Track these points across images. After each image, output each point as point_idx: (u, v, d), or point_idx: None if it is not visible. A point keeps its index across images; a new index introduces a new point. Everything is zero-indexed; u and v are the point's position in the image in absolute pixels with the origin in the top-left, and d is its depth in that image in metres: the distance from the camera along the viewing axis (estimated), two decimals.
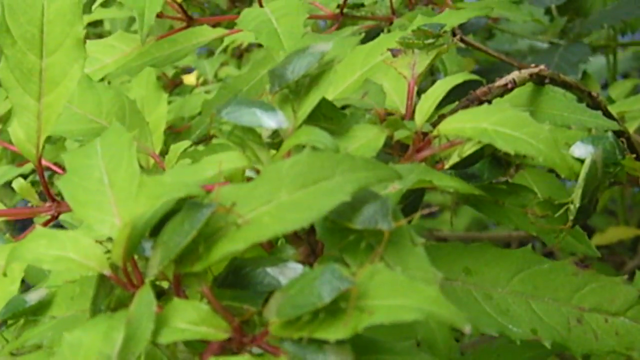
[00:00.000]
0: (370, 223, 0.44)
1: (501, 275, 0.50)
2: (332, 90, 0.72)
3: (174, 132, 1.20)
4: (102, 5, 0.98)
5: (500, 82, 0.67)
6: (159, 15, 0.86)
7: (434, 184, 0.48)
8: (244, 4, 1.43)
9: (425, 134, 0.53)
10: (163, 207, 0.45)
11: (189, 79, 1.38)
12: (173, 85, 1.38)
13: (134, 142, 0.49)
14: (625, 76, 1.56)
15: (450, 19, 0.74)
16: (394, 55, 0.63)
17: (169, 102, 1.18)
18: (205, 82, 1.30)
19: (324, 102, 0.53)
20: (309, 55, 0.51)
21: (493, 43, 1.43)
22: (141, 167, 0.99)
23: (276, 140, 0.51)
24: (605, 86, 1.48)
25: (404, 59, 0.59)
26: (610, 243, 1.27)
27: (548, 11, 1.23)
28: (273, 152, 0.51)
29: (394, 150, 0.53)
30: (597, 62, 1.48)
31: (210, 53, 1.55)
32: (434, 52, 0.59)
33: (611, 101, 0.99)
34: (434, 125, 0.56)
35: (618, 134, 0.80)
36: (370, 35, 0.99)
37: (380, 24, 0.94)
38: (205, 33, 0.90)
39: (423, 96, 0.53)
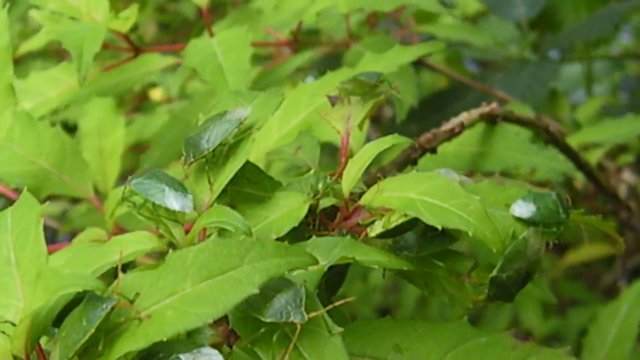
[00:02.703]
0: (281, 316, 0.41)
1: (434, 352, 0.48)
2: (277, 131, 0.70)
3: (137, 152, 1.18)
4: None
5: (446, 126, 0.65)
6: (105, 47, 0.83)
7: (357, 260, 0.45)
8: (214, 15, 1.40)
9: (354, 199, 0.50)
10: (62, 300, 0.42)
11: (155, 94, 1.35)
12: (139, 100, 1.35)
13: (42, 218, 0.46)
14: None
15: (399, 56, 0.71)
16: (332, 103, 0.60)
17: (131, 122, 1.15)
18: (170, 99, 1.26)
19: (248, 165, 0.50)
20: (226, 123, 0.48)
21: (470, 52, 1.40)
22: (97, 192, 0.97)
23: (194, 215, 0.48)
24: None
25: (339, 111, 0.56)
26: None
27: (519, 25, 1.20)
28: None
29: (321, 218, 0.50)
30: (574, 71, 1.45)
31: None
32: (370, 103, 0.56)
33: (577, 126, 0.96)
34: (368, 184, 0.53)
35: (580, 167, 0.77)
36: (327, 61, 0.97)
37: (337, 49, 0.91)
38: (155, 61, 0.86)
39: (350, 161, 0.50)
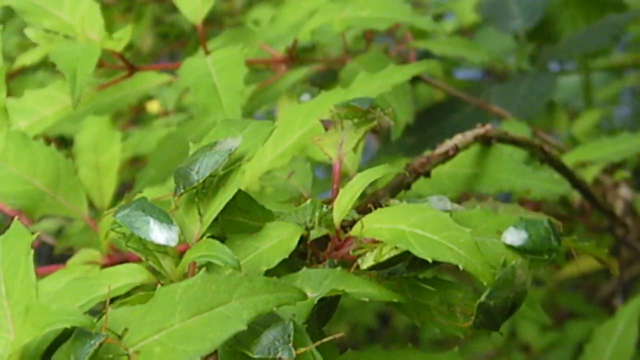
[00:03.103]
0: (269, 352, 0.41)
1: None
2: (272, 152, 0.69)
3: (135, 166, 1.18)
4: None
5: (440, 149, 0.64)
6: (100, 65, 0.83)
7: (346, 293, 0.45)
8: (212, 26, 1.40)
9: (345, 228, 0.50)
10: (51, 334, 0.42)
11: (152, 106, 1.34)
12: (136, 112, 1.35)
13: (32, 249, 0.46)
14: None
15: (393, 76, 0.70)
16: (326, 128, 0.60)
17: (128, 136, 1.15)
18: (167, 112, 1.26)
19: (239, 194, 0.50)
20: (216, 154, 0.47)
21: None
22: (93, 207, 0.97)
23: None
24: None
25: (332, 137, 0.56)
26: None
27: (516, 37, 1.20)
28: None
29: (312, 248, 0.50)
30: (573, 80, 1.45)
31: None
32: (362, 129, 0.56)
33: (575, 142, 0.96)
34: (361, 209, 0.53)
35: (576, 185, 0.77)
36: (324, 75, 0.97)
37: (332, 65, 0.91)
38: (150, 79, 0.86)
39: (342, 191, 0.50)
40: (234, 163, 0.48)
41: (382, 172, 0.50)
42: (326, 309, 0.49)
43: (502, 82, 1.15)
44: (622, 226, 0.88)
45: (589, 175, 0.88)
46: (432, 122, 1.15)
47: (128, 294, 0.48)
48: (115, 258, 0.72)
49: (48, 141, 0.86)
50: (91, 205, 0.97)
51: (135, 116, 1.35)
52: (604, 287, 1.32)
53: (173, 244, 0.46)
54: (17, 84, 1.26)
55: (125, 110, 1.32)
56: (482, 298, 0.47)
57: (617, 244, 0.91)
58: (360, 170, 0.74)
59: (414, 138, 1.14)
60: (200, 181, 0.47)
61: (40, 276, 0.74)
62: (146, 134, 1.13)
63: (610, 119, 1.67)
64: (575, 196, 0.87)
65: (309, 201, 0.51)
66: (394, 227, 0.46)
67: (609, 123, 1.63)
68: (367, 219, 0.48)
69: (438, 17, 1.37)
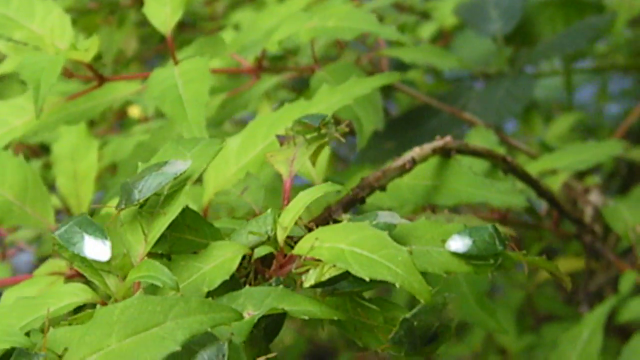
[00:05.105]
0: None
1: None
2: (235, 164, 0.70)
3: (114, 172, 1.19)
4: None
5: (397, 162, 0.65)
6: (69, 76, 0.83)
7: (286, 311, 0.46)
8: (189, 31, 1.41)
9: (291, 245, 0.51)
10: None
11: (133, 111, 1.35)
12: (117, 117, 1.36)
13: None
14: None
15: (354, 89, 0.71)
16: (281, 143, 0.61)
17: (106, 143, 1.16)
18: (147, 117, 1.27)
19: (188, 212, 0.51)
20: (161, 175, 0.48)
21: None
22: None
23: None
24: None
25: (284, 153, 0.57)
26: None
27: (495, 40, 1.21)
28: None
29: (257, 266, 0.51)
30: (555, 79, 1.45)
31: None
32: (313, 146, 0.57)
33: (546, 148, 0.96)
34: (317, 223, 0.53)
35: (541, 194, 0.78)
36: (301, 82, 0.97)
37: (302, 74, 0.91)
38: (120, 89, 0.87)
39: (284, 209, 0.51)
40: (179, 184, 0.49)
41: (323, 191, 0.51)
42: (273, 325, 0.49)
43: (484, 81, 1.15)
44: (590, 233, 0.88)
45: (558, 182, 0.88)
46: (412, 126, 1.16)
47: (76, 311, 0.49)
48: None
49: (19, 150, 0.86)
50: (70, 212, 0.98)
51: (117, 121, 1.36)
52: (584, 290, 1.32)
53: (104, 258, 0.47)
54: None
55: (107, 116, 1.33)
56: (408, 315, 0.47)
57: (586, 252, 0.91)
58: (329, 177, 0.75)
59: (393, 142, 1.15)
60: (141, 201, 0.48)
61: (7, 286, 0.75)
62: (124, 140, 1.14)
63: (599, 116, 1.67)
64: (543, 204, 0.88)
65: (269, 210, 0.52)
66: (334, 246, 0.47)
67: (596, 121, 1.63)
68: (308, 237, 0.49)
69: (424, 16, 1.37)
